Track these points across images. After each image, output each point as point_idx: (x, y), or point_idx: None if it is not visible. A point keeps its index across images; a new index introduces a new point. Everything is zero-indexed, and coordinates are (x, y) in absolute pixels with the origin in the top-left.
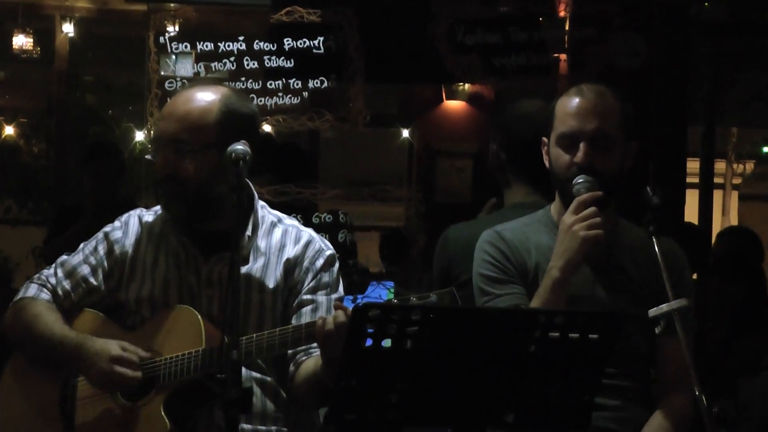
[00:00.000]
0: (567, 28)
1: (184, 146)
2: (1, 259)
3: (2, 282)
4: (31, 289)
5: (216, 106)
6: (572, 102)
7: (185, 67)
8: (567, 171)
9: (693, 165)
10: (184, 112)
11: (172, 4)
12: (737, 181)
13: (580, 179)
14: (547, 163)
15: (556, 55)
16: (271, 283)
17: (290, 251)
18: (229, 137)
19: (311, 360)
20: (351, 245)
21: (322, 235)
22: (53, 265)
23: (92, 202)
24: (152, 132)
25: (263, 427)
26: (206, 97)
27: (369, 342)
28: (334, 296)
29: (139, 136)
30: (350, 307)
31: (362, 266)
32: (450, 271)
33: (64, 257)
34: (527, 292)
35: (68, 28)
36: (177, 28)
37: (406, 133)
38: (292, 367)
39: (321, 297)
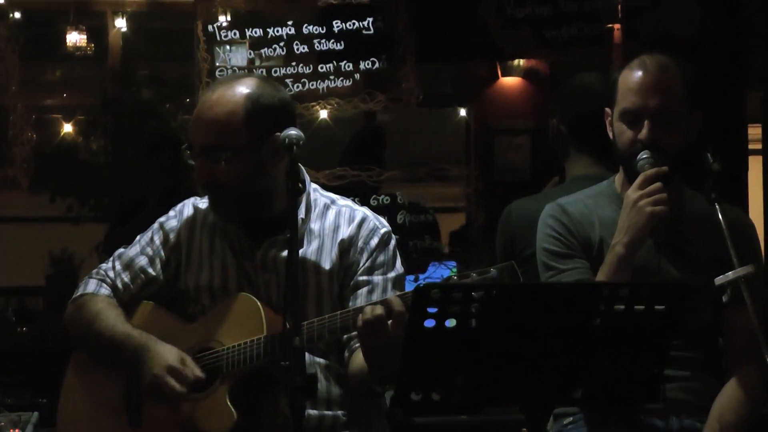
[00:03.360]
0: None
1: (218, 153)
2: (66, 257)
3: (69, 278)
4: (91, 285)
5: (242, 106)
6: (635, 76)
7: (239, 56)
8: (631, 147)
9: (754, 131)
10: (212, 119)
11: None
12: None
13: (644, 155)
14: (610, 135)
15: (609, 25)
16: (327, 265)
17: (344, 232)
18: (261, 133)
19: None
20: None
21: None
22: (111, 259)
23: (155, 196)
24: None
25: (330, 412)
26: (231, 97)
27: (432, 323)
28: (391, 275)
29: None
30: (412, 287)
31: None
32: (513, 246)
33: (121, 250)
34: (591, 266)
35: (120, 24)
36: (228, 18)
37: (463, 112)
38: (346, 353)
39: (377, 278)
